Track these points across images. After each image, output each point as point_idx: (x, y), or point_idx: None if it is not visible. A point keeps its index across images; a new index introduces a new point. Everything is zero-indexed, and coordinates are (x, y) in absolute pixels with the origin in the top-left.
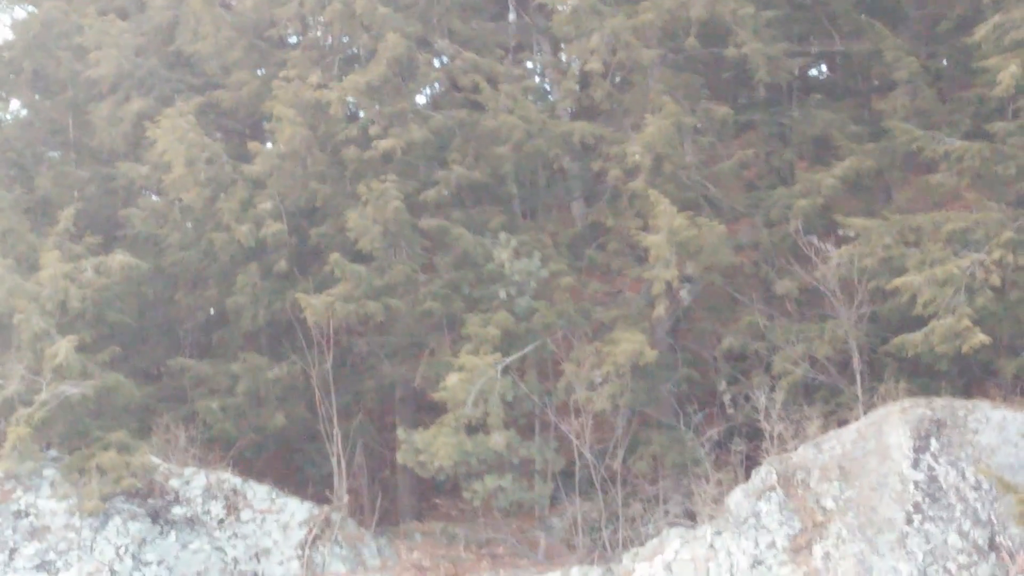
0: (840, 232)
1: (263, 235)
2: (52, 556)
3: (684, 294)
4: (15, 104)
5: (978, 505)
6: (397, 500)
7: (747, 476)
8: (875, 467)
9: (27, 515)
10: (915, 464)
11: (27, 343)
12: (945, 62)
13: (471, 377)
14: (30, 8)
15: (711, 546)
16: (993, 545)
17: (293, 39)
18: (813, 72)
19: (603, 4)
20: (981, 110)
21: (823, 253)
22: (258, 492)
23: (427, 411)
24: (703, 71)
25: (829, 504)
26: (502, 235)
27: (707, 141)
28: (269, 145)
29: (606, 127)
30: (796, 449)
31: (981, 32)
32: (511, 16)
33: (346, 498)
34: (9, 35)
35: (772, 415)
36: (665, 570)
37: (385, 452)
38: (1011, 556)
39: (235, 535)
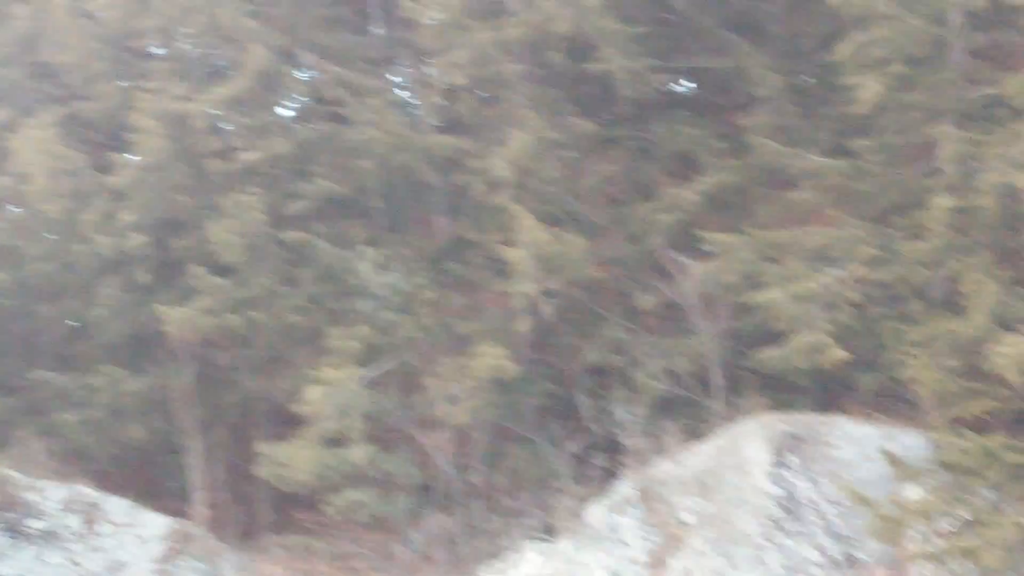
0: (702, 248)
1: (125, 247)
2: None
3: (546, 309)
4: None
5: (836, 520)
6: (258, 514)
7: (607, 490)
8: (734, 482)
9: None
10: (774, 479)
11: None
12: (808, 79)
13: (333, 390)
14: None
15: (570, 560)
16: (850, 559)
17: (157, 51)
18: (677, 88)
19: (469, 19)
20: (843, 127)
21: (685, 268)
22: (116, 506)
23: (289, 424)
24: (568, 86)
25: (688, 518)
26: (365, 249)
27: (571, 156)
28: (132, 157)
29: (471, 141)
30: (656, 464)
31: (844, 50)
32: (377, 29)
33: (205, 512)
34: None
35: (632, 430)
36: None
37: (246, 466)
38: (868, 571)
39: (92, 549)
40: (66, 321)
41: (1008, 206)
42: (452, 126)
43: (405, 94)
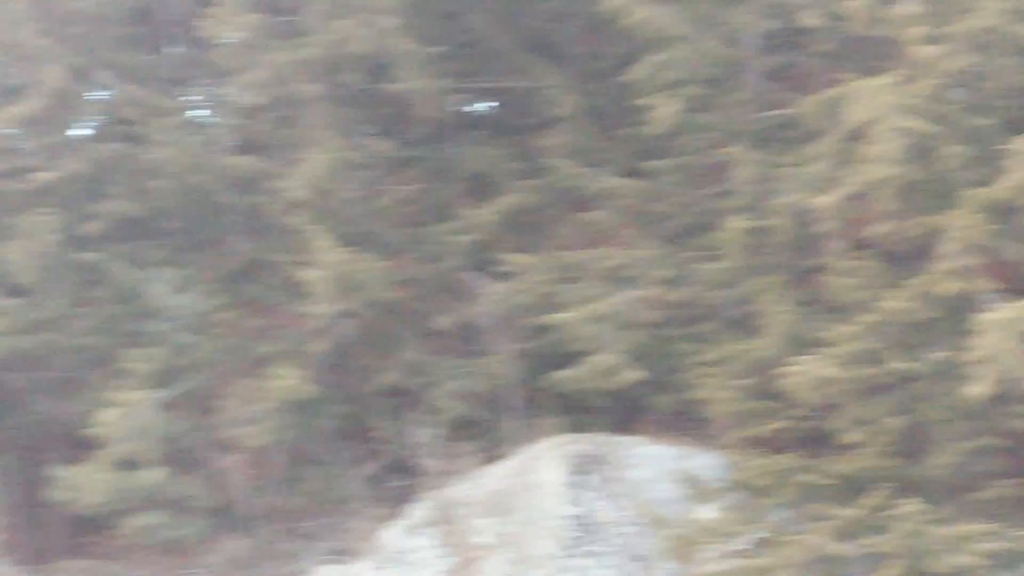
0: (500, 268)
1: None
2: None
3: (343, 330)
4: None
5: (631, 540)
6: (52, 538)
7: (403, 512)
8: (531, 502)
9: None
10: (570, 499)
11: None
12: (605, 101)
13: (127, 413)
14: None
15: None
16: None
17: None
18: (476, 109)
19: (266, 38)
20: (639, 148)
21: (482, 289)
22: None
23: (83, 447)
24: (366, 106)
25: (484, 539)
26: (161, 270)
27: (369, 177)
28: None
29: (268, 162)
30: (453, 485)
31: (640, 71)
32: (175, 49)
33: None
34: None
35: (429, 451)
36: None
37: (40, 489)
38: None
39: None
40: None
41: (800, 227)
42: (250, 146)
43: (203, 114)
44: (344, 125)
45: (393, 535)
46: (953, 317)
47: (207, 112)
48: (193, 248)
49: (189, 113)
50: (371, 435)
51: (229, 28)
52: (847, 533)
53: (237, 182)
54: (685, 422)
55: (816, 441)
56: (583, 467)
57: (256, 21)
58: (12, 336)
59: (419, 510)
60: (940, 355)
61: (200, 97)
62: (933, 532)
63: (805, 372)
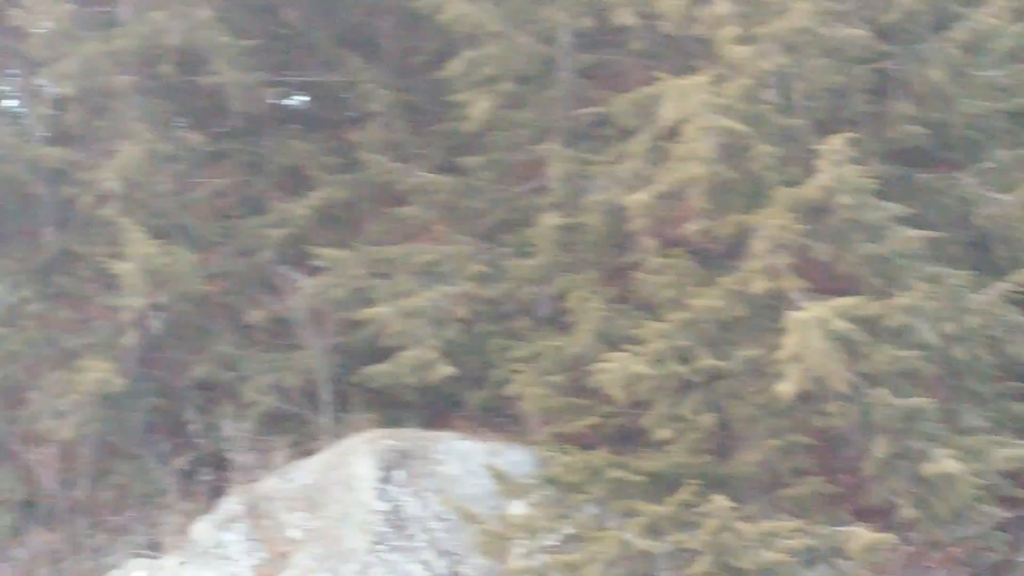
0: (312, 263)
1: None
2: None
3: (155, 323)
4: None
5: (442, 535)
6: None
7: (214, 506)
8: (341, 497)
9: None
10: (380, 495)
11: None
12: (420, 96)
13: None
14: None
15: None
16: (456, 575)
17: None
18: (290, 102)
19: (79, 28)
20: (453, 144)
21: (295, 283)
22: None
23: None
24: (179, 99)
25: (295, 534)
26: None
27: (181, 169)
28: None
29: (80, 153)
30: (264, 480)
31: (454, 67)
32: None
33: None
34: None
35: (240, 445)
36: None
37: None
38: None
39: None
40: None
41: (613, 224)
42: (61, 137)
43: (13, 104)
44: (157, 117)
45: (204, 529)
46: (763, 316)
47: (18, 102)
48: (2, 240)
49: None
50: (182, 429)
51: (41, 17)
52: (656, 529)
53: (48, 173)
54: (497, 418)
55: (627, 438)
56: (394, 462)
57: (69, 11)
58: None
59: (230, 504)
60: (750, 353)
61: (10, 87)
62: (741, 529)
63: (616, 369)
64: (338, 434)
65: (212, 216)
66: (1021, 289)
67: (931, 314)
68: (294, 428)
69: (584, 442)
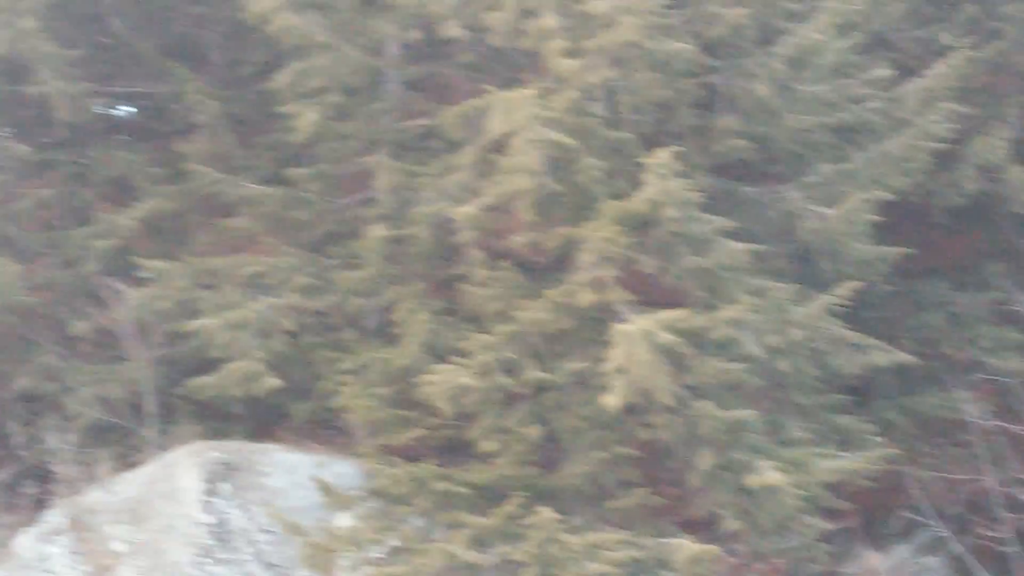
0: (138, 274)
1: None
2: None
3: None
4: None
5: (267, 548)
6: None
7: (37, 519)
8: (166, 510)
9: None
10: (205, 507)
11: None
12: (247, 107)
13: None
14: None
15: None
16: None
17: None
18: (116, 113)
19: None
20: (281, 156)
21: (120, 295)
22: None
23: None
24: (4, 108)
25: (119, 547)
26: None
27: (5, 179)
28: None
29: None
30: (87, 492)
31: (282, 78)
32: None
33: None
34: None
35: (64, 457)
36: None
37: None
38: None
39: None
40: None
41: (441, 237)
42: None
43: None
44: None
45: (26, 543)
46: (589, 328)
47: None
48: None
49: None
50: (5, 441)
51: None
52: (482, 541)
53: None
54: (324, 430)
55: (453, 450)
56: (219, 474)
57: None
58: None
59: (53, 517)
60: (576, 366)
61: None
62: (567, 541)
63: (442, 381)
64: (163, 446)
65: (37, 226)
66: (844, 302)
67: (755, 327)
68: (119, 440)
69: (411, 454)
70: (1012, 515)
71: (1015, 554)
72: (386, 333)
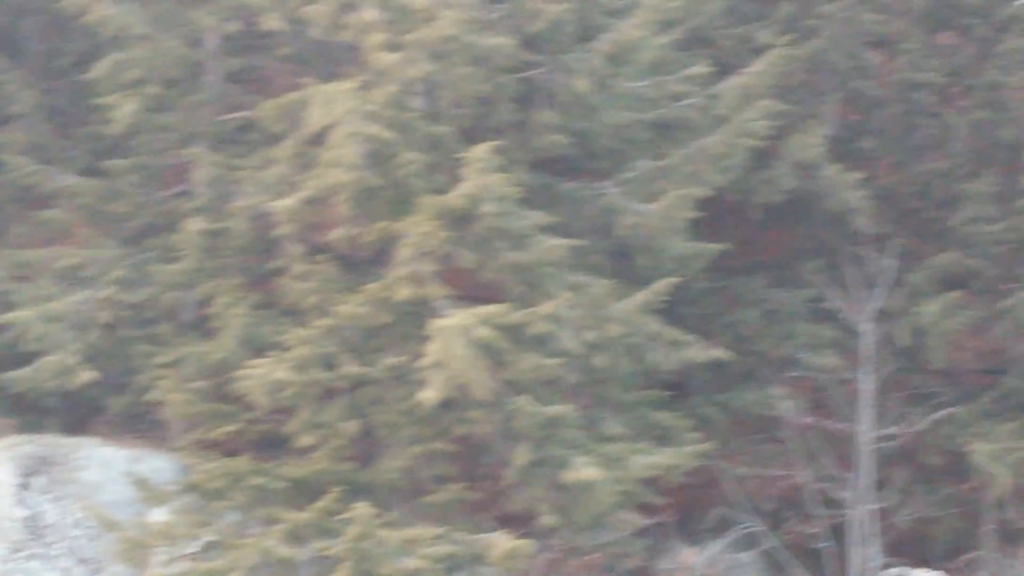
0: None
1: None
2: None
3: None
4: None
5: (82, 542)
6: None
7: None
8: None
9: None
10: (19, 501)
11: None
12: (65, 98)
13: None
14: None
15: None
16: None
17: None
18: None
19: None
20: (98, 147)
21: None
22: None
23: None
24: None
25: None
26: None
27: None
28: None
29: None
30: None
31: (100, 69)
32: None
33: None
34: None
35: None
36: None
37: None
38: None
39: None
40: None
41: (259, 230)
42: None
43: None
44: None
45: None
46: (407, 323)
47: None
48: None
49: None
50: None
51: None
52: (298, 536)
53: None
54: (140, 424)
55: (270, 444)
56: (33, 468)
57: None
58: None
59: None
60: (394, 360)
61: None
62: (383, 536)
63: (259, 375)
64: None
65: None
66: (662, 298)
67: (573, 322)
68: None
69: (227, 449)
70: (825, 511)
71: (828, 550)
72: (203, 327)
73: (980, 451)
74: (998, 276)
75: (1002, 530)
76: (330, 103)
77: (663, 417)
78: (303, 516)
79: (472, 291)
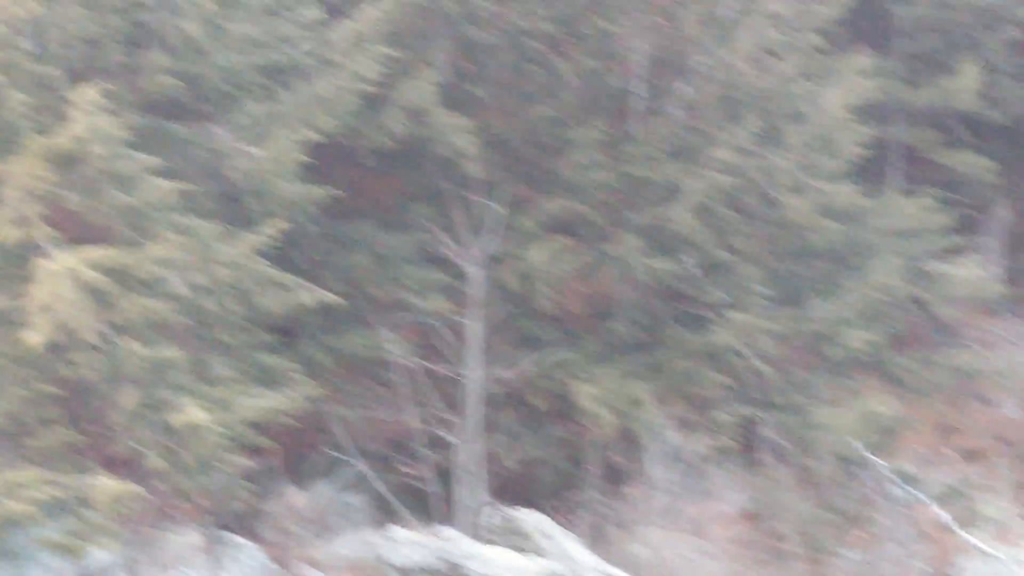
0: None
1: None
2: None
3: None
4: None
5: None
6: None
7: None
8: None
9: None
10: None
11: None
12: None
13: None
14: None
15: None
16: None
17: None
18: None
19: None
20: None
21: None
22: None
23: None
24: None
25: None
26: None
27: None
28: None
29: None
30: None
31: None
32: None
33: None
34: None
35: None
36: None
37: None
38: None
39: None
40: None
41: None
42: None
43: None
44: None
45: None
46: (12, 265)
47: None
48: None
49: None
50: None
51: None
52: None
53: None
54: None
55: None
56: None
57: None
58: None
59: None
60: None
61: None
62: None
63: None
64: None
65: None
66: (271, 242)
67: (182, 265)
68: None
69: None
70: (432, 453)
71: (434, 492)
72: None
73: (586, 394)
74: (605, 222)
75: (606, 471)
76: None
77: (271, 360)
78: None
79: (80, 233)
